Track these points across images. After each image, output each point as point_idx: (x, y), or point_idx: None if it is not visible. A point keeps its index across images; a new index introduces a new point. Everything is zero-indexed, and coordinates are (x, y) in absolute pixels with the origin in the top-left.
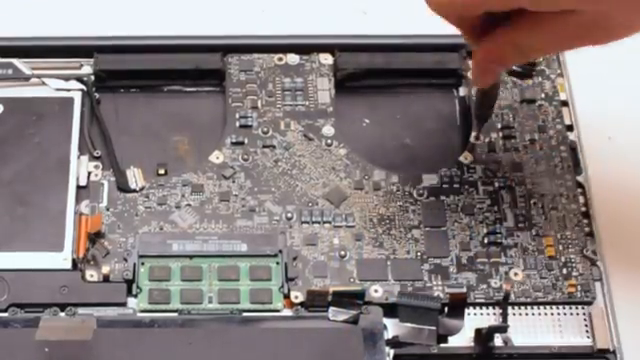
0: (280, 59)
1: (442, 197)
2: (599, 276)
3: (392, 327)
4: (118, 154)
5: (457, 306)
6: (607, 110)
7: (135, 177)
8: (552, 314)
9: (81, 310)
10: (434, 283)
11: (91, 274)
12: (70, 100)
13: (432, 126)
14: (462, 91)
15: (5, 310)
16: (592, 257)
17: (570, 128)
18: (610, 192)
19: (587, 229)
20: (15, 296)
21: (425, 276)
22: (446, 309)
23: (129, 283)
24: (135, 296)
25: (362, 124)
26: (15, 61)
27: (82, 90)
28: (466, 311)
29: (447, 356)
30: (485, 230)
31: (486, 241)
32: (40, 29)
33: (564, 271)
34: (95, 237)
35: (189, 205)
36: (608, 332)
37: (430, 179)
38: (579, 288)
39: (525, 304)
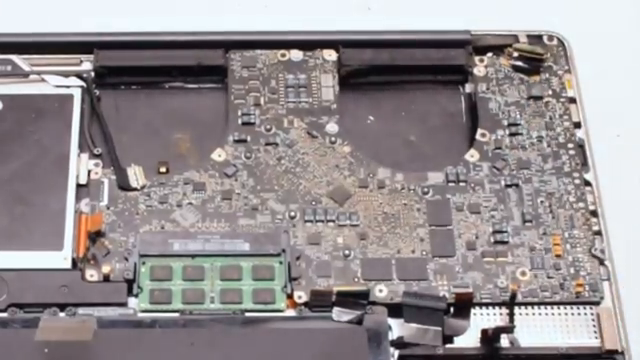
0: (283, 55)
1: (448, 195)
2: (607, 275)
3: (397, 327)
4: (119, 152)
5: (463, 306)
6: (616, 107)
7: (136, 175)
8: (559, 314)
9: (81, 310)
10: (440, 283)
11: (91, 274)
12: (70, 97)
13: (438, 123)
14: (468, 88)
15: (4, 310)
16: (600, 256)
17: (578, 125)
18: (618, 190)
19: (595, 228)
20: (14, 296)
21: (430, 276)
22: (452, 309)
23: (130, 283)
24: (136, 296)
25: (366, 121)
26: (14, 57)
27: (82, 87)
28: (472, 311)
29: (453, 357)
30: (491, 229)
31: (492, 240)
32: (39, 25)
33: (572, 270)
34: (95, 236)
35: (191, 204)
36: (616, 333)
37: (436, 177)
38: (587, 288)
39: (532, 304)
